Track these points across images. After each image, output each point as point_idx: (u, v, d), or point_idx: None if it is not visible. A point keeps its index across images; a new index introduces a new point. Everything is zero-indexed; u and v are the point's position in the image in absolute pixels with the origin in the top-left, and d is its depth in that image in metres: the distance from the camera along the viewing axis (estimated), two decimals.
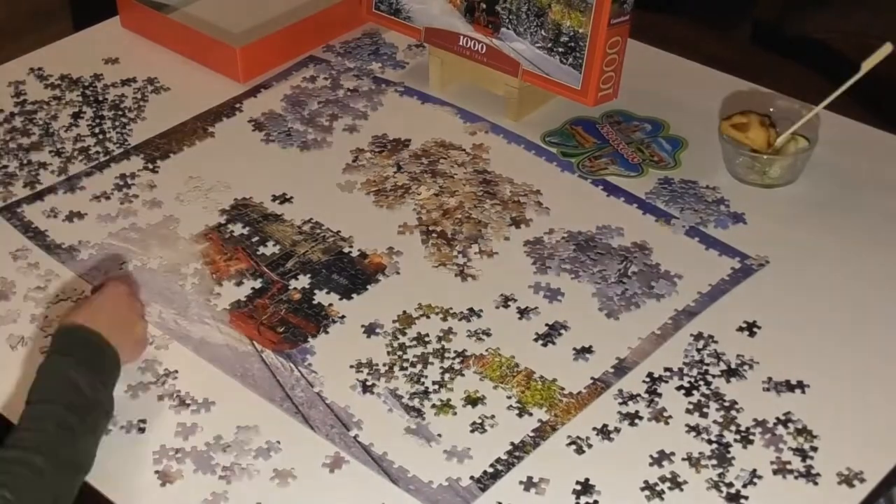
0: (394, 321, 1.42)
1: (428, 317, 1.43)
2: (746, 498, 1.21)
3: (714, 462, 1.25)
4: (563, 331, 1.41)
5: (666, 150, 1.70)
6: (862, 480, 1.23)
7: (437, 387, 1.34)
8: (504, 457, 1.26)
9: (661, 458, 1.25)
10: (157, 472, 1.26)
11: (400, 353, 1.38)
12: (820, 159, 1.65)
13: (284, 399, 1.33)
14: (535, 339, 1.40)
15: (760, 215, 1.58)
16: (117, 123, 1.79)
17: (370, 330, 1.41)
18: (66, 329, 1.29)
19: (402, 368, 1.36)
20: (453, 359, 1.37)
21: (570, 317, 1.43)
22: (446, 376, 1.35)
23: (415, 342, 1.39)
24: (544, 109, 1.79)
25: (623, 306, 1.44)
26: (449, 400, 1.32)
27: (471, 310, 1.44)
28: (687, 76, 1.88)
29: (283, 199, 1.62)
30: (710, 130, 1.68)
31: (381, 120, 1.79)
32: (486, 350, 1.38)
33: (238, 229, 1.57)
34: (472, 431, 1.29)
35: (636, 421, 1.29)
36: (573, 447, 1.27)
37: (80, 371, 1.24)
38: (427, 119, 1.78)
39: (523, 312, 1.43)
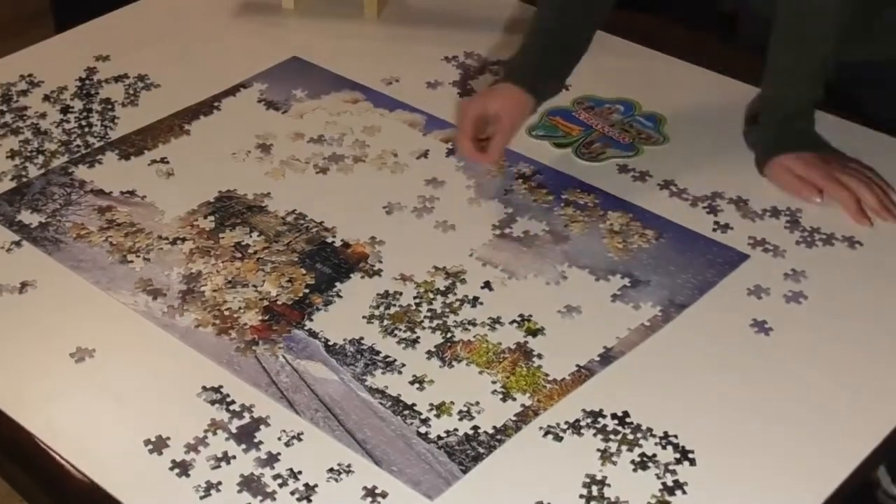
0: (378, 309, 1.45)
1: (418, 302, 1.45)
2: None
3: None
4: (553, 317, 1.43)
5: (649, 127, 1.74)
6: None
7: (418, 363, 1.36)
8: (486, 440, 1.27)
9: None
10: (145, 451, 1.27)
11: (385, 336, 1.41)
12: None
13: (270, 385, 1.34)
14: (521, 326, 1.41)
15: (745, 206, 1.60)
16: (105, 118, 1.80)
17: (354, 316, 1.43)
18: None
19: (384, 360, 1.38)
20: (440, 345, 1.39)
21: (562, 304, 1.45)
22: (433, 360, 1.37)
23: (402, 328, 1.42)
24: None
25: (617, 295, 1.46)
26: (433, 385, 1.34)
27: (463, 297, 1.46)
28: (649, 61, 1.92)
29: (266, 193, 1.64)
30: (683, 104, 1.75)
31: (367, 122, 1.80)
32: (475, 336, 1.40)
33: (223, 220, 1.59)
34: (455, 416, 1.30)
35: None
36: (551, 434, 1.28)
37: None
38: (393, 126, 1.79)
39: (513, 299, 1.45)
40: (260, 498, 1.22)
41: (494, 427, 1.29)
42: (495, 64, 1.91)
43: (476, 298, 1.45)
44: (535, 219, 1.59)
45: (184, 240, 1.55)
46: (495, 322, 1.42)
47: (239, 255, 1.52)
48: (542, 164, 1.69)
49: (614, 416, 1.30)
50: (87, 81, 1.89)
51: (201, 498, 1.22)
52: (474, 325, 1.42)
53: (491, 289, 1.47)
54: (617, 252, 1.52)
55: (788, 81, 1.64)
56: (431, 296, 1.46)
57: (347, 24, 2.05)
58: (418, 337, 1.40)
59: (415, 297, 1.46)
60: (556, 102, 1.77)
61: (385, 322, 1.42)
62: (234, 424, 1.30)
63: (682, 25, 2.00)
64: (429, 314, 1.43)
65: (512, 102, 1.65)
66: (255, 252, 1.52)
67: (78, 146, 1.74)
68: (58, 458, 1.27)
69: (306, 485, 1.23)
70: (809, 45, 1.61)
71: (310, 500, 1.22)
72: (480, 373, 1.35)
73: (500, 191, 1.64)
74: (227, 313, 1.44)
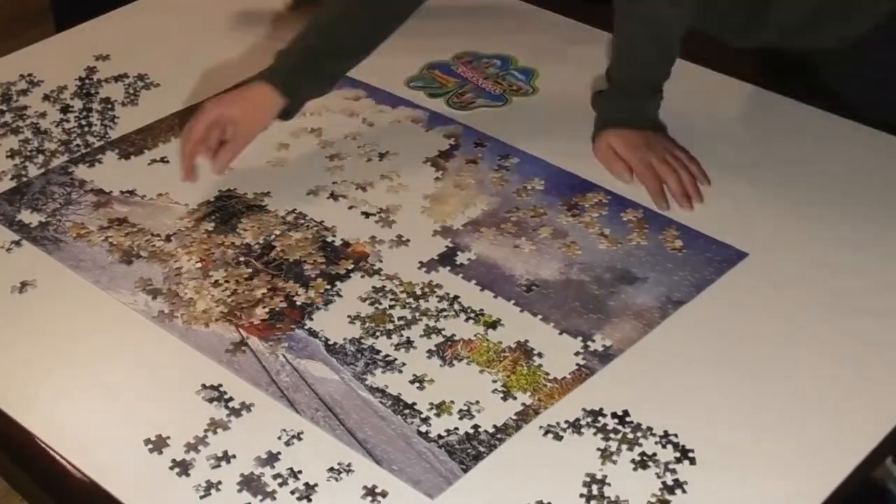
0: (371, 311, 1.45)
1: (414, 300, 1.45)
2: None
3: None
4: (553, 315, 1.43)
5: (521, 80, 1.87)
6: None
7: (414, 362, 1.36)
8: (486, 439, 1.27)
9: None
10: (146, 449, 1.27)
11: (383, 336, 1.41)
12: (788, 151, 1.70)
13: (270, 384, 1.34)
14: (522, 324, 1.41)
15: (744, 205, 1.61)
16: (105, 117, 1.80)
17: (353, 317, 1.43)
18: None
19: (384, 360, 1.38)
20: (441, 344, 1.39)
21: (561, 301, 1.45)
22: (433, 359, 1.37)
23: (401, 324, 1.42)
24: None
25: (614, 292, 1.46)
26: (433, 384, 1.34)
27: (455, 297, 1.46)
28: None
29: (266, 192, 1.64)
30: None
31: (370, 119, 1.81)
32: (475, 335, 1.40)
33: (223, 219, 1.59)
34: (455, 415, 1.30)
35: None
36: (551, 433, 1.28)
37: None
38: (396, 123, 1.80)
39: (513, 297, 1.45)
40: (260, 497, 1.22)
41: (495, 426, 1.29)
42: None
43: (476, 297, 1.45)
44: (535, 216, 1.59)
45: (183, 237, 1.55)
46: (496, 321, 1.42)
47: (239, 253, 1.53)
48: (544, 161, 1.69)
49: (614, 414, 1.30)
50: (87, 81, 1.90)
51: (201, 497, 1.22)
52: (475, 323, 1.42)
53: (491, 287, 1.47)
54: (614, 249, 1.53)
55: (627, 71, 1.69)
56: (432, 294, 1.46)
57: None
58: (419, 336, 1.40)
59: (415, 296, 1.46)
60: (436, 56, 1.90)
61: (385, 321, 1.42)
62: (234, 423, 1.30)
63: None
64: (429, 313, 1.43)
65: (255, 108, 1.62)
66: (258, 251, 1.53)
67: (78, 146, 1.74)
68: (58, 458, 1.28)
69: (306, 484, 1.23)
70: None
71: (310, 500, 1.22)
72: (481, 372, 1.35)
73: (502, 187, 1.64)
74: (227, 312, 1.44)
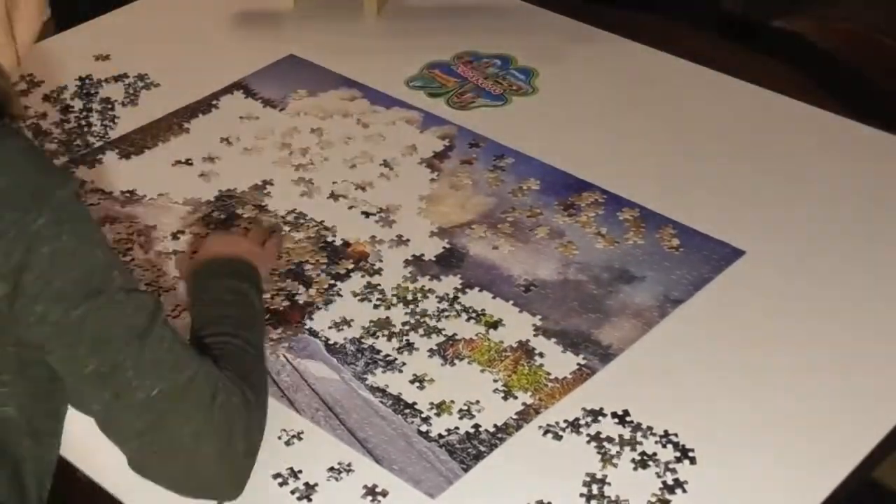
0: (375, 308, 1.45)
1: (414, 303, 1.45)
2: None
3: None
4: (552, 314, 1.43)
5: (521, 80, 1.88)
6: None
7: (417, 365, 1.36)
8: (487, 438, 1.28)
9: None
10: None
11: (384, 337, 1.41)
12: (791, 151, 1.70)
13: (270, 384, 1.34)
14: (521, 323, 1.42)
15: (740, 203, 1.61)
16: (105, 117, 1.80)
17: (355, 315, 1.43)
18: (201, 264, 1.36)
19: (385, 359, 1.38)
20: (442, 343, 1.39)
21: (560, 300, 1.45)
22: (434, 358, 1.38)
23: (403, 326, 1.42)
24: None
25: (612, 291, 1.46)
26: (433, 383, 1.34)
27: (455, 297, 1.46)
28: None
29: (266, 192, 1.64)
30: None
31: (365, 120, 1.81)
32: (476, 335, 1.40)
33: (223, 219, 1.59)
34: (455, 414, 1.30)
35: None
36: (551, 433, 1.28)
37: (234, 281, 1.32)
38: (391, 123, 1.80)
39: (510, 299, 1.46)
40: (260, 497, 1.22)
41: (495, 425, 1.29)
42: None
43: (476, 296, 1.46)
44: (531, 216, 1.59)
45: (184, 237, 1.56)
46: (497, 321, 1.42)
47: None
48: (538, 161, 1.69)
49: (615, 414, 1.30)
50: (87, 81, 1.90)
51: None
52: (476, 323, 1.42)
53: (489, 288, 1.47)
54: (612, 249, 1.53)
55: None
56: (432, 294, 1.46)
57: (347, 23, 2.05)
58: (420, 335, 1.40)
59: (415, 296, 1.46)
60: (436, 56, 1.91)
61: (386, 321, 1.43)
62: None
63: None
64: (429, 313, 1.43)
65: None
66: None
67: (78, 146, 1.74)
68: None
69: (307, 484, 1.23)
70: None
71: (310, 500, 1.22)
72: (482, 371, 1.36)
73: (498, 188, 1.64)
74: None
